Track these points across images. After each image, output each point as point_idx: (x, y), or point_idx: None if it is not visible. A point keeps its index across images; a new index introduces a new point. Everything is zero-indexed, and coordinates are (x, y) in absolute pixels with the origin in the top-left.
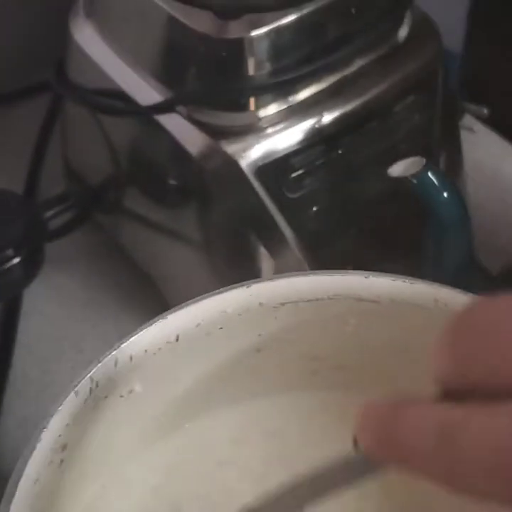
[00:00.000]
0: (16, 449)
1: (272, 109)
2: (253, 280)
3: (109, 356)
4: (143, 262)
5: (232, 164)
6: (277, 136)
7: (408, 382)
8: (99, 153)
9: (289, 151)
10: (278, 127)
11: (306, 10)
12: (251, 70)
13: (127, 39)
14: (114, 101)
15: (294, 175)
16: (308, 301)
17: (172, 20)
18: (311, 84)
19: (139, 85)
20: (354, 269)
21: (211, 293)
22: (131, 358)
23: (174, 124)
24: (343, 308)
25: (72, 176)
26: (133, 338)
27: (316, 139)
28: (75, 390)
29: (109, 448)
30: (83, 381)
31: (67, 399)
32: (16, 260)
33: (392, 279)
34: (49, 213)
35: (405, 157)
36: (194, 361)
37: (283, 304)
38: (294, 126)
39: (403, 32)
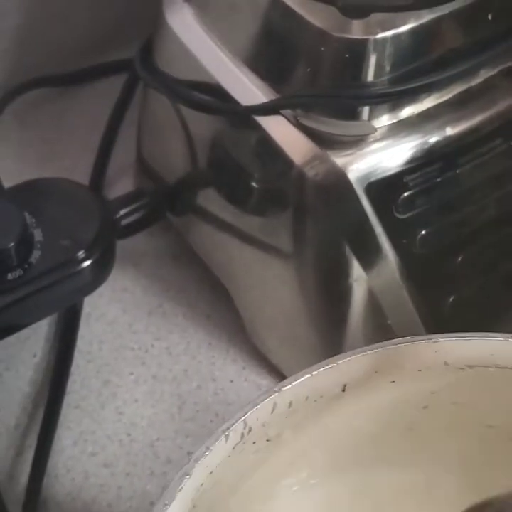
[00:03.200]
0: (71, 469)
1: (387, 119)
2: (441, 335)
3: (268, 400)
4: (216, 268)
5: (341, 177)
6: (391, 150)
7: None
8: (180, 148)
9: (403, 167)
10: (393, 140)
11: (439, 13)
12: (370, 76)
13: (230, 29)
14: (209, 97)
15: (406, 194)
16: (502, 367)
17: (287, 12)
18: (432, 95)
19: (240, 82)
20: (454, 300)
21: (389, 342)
22: (290, 404)
23: (277, 127)
24: None
25: (146, 171)
26: (296, 382)
27: (433, 155)
28: (226, 434)
29: (242, 495)
30: (236, 424)
31: (216, 444)
32: (87, 263)
33: None
34: (122, 211)
35: None
36: (352, 412)
37: (471, 367)
38: (410, 140)
39: None
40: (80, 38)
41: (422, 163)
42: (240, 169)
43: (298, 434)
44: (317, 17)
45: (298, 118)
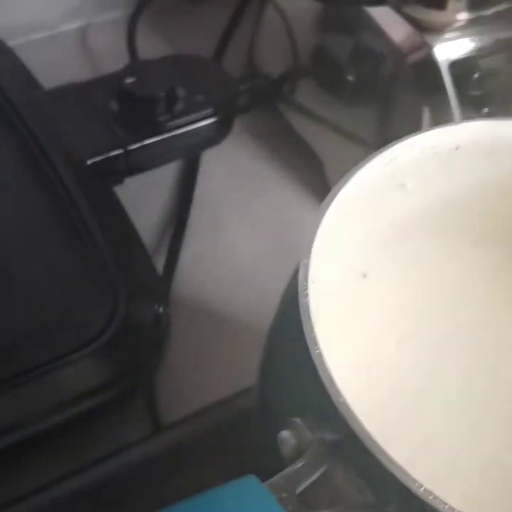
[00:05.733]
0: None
1: (467, 15)
2: None
3: (412, 139)
4: (312, 143)
5: (429, 53)
6: (470, 38)
7: None
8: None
9: (477, 53)
10: (471, 30)
11: None
12: None
13: None
14: None
15: (476, 75)
16: None
17: None
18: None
19: None
20: None
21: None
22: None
23: (383, 14)
24: None
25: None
26: (432, 131)
27: (500, 46)
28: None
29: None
30: (386, 151)
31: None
32: (214, 119)
33: None
34: (242, 86)
35: None
36: (463, 170)
37: None
38: (484, 32)
39: None
40: None
41: (491, 51)
42: (340, 60)
43: (418, 187)
44: None
45: (400, 7)
